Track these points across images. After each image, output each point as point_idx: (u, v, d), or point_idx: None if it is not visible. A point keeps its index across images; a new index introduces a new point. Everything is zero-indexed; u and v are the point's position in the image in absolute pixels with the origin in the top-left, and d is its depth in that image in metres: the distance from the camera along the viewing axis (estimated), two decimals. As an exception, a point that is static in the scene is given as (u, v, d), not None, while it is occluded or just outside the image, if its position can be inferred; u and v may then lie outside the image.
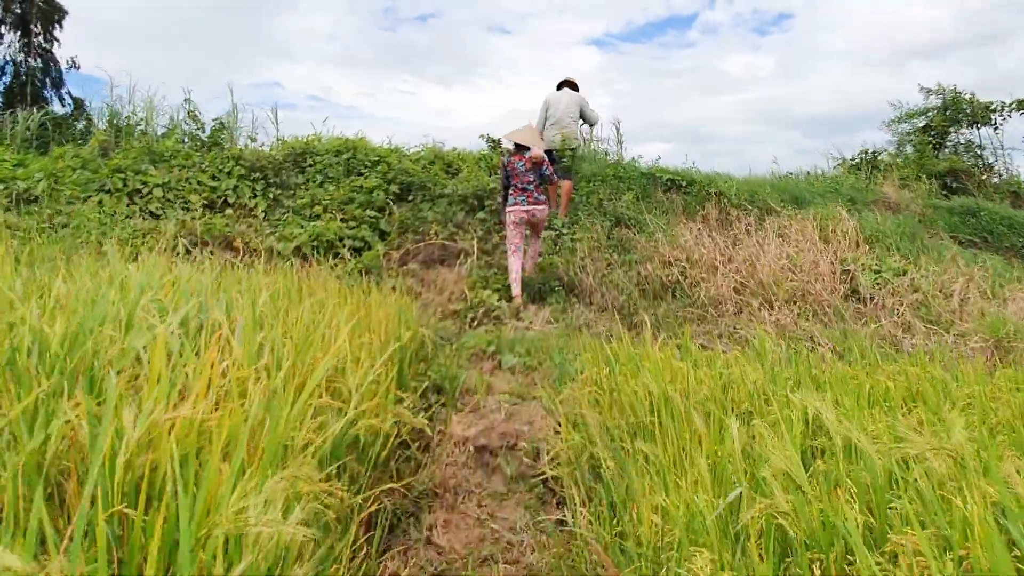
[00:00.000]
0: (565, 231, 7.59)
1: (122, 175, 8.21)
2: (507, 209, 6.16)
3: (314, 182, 8.66)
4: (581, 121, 8.72)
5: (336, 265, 6.89)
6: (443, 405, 3.72)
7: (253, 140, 10.49)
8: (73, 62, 24.58)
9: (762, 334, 3.79)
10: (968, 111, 12.61)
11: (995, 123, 12.40)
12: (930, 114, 13.24)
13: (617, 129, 10.55)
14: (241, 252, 7.11)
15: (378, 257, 7.12)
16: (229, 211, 8.14)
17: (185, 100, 10.47)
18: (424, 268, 6.94)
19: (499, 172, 6.51)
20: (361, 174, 8.71)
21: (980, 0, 28.75)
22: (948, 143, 13.00)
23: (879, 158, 12.61)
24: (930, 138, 12.73)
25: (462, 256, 7.00)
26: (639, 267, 6.85)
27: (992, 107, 12.42)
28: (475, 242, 7.10)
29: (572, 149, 8.47)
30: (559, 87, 8.81)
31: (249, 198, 8.40)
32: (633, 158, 9.82)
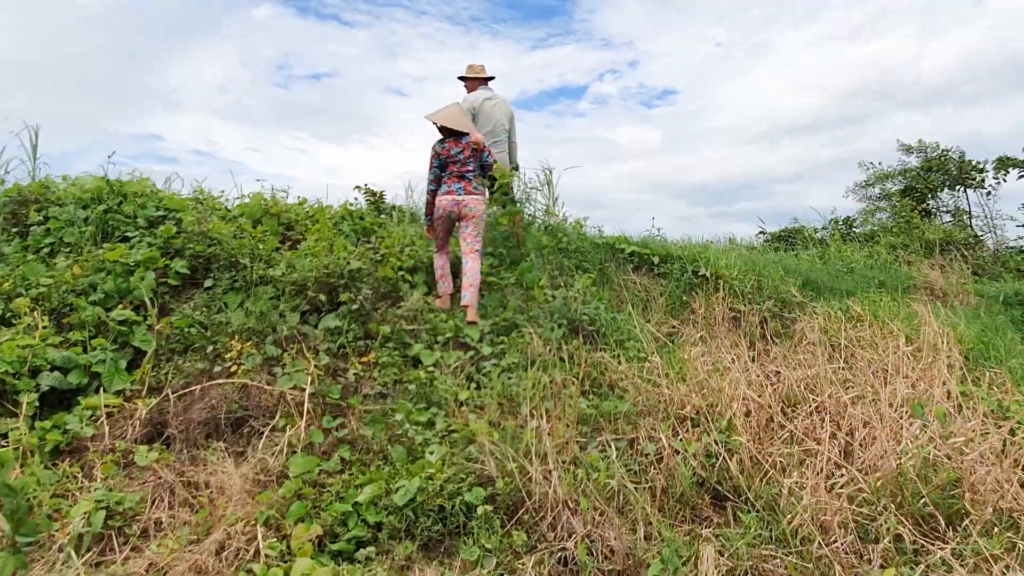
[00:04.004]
0: (487, 348, 4.16)
1: None
2: (437, 199, 5.00)
3: (33, 252, 4.83)
4: None
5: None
6: None
7: (-1, 183, 6.52)
8: None
9: None
10: (955, 171, 10.48)
11: (988, 185, 10.34)
12: (907, 175, 11.06)
13: (549, 178, 7.35)
14: None
15: (93, 420, 3.38)
16: None
17: None
18: (189, 448, 3.26)
19: (431, 163, 5.07)
20: (127, 239, 4.97)
21: (839, 88, 31.38)
22: (931, 208, 10.81)
23: (855, 227, 10.21)
24: (913, 202, 10.46)
25: (279, 415, 3.40)
26: (636, 426, 3.51)
27: (982, 167, 10.36)
28: (310, 386, 3.51)
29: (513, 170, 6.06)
30: (470, 83, 6.10)
31: None
32: (578, 220, 6.63)
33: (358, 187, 8.69)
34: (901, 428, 3.58)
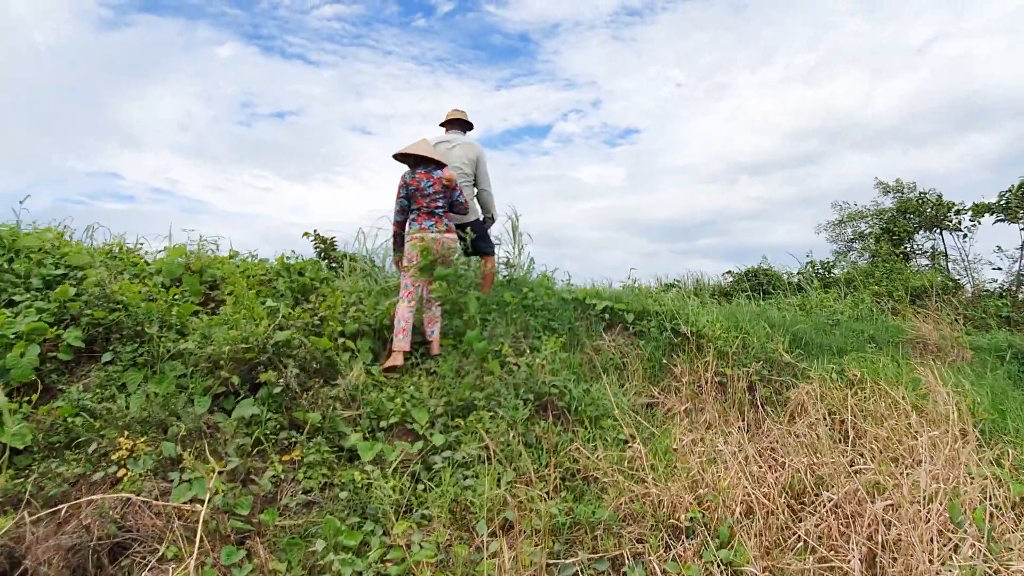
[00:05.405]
0: (439, 438, 3.49)
1: None
2: (409, 238, 4.68)
3: None
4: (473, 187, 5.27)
5: None
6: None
7: None
8: None
9: None
10: (931, 213, 10.23)
11: (965, 229, 10.09)
12: (883, 216, 10.78)
13: (514, 223, 6.80)
14: None
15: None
16: None
17: None
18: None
19: (399, 193, 4.74)
20: (13, 303, 4.22)
21: (794, 128, 32.25)
22: (908, 252, 10.52)
23: (834, 272, 9.83)
24: (891, 246, 10.15)
25: (167, 541, 2.67)
26: (620, 540, 2.86)
27: (958, 209, 10.12)
28: (210, 500, 2.79)
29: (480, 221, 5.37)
30: (447, 126, 5.53)
31: None
32: (545, 271, 6.04)
33: (307, 233, 8.04)
34: (931, 527, 3.01)
